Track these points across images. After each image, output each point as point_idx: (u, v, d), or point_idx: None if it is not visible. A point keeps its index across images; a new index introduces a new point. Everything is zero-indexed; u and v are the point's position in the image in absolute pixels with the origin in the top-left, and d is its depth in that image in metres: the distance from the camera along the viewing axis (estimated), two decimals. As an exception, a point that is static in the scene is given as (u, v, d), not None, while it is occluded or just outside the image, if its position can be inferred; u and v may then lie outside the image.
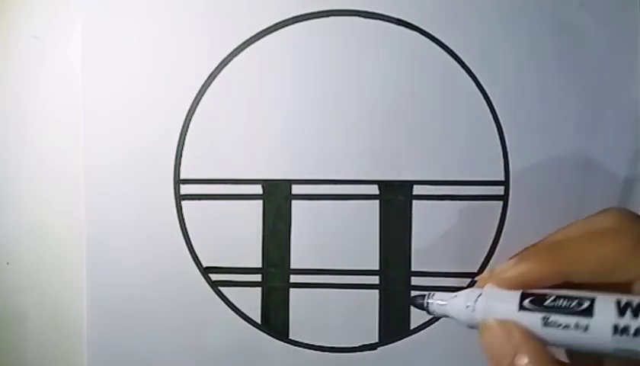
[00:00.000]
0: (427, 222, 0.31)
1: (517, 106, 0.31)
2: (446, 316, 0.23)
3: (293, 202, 0.31)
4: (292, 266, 0.31)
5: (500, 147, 0.31)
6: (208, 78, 0.31)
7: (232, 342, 0.31)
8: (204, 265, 0.31)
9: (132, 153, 0.31)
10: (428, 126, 0.31)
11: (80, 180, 0.31)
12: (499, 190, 0.31)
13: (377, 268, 0.31)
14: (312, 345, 0.31)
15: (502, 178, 0.31)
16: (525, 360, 0.20)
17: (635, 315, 0.19)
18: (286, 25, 0.31)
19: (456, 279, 0.31)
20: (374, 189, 0.31)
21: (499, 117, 0.31)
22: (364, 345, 0.31)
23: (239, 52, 0.31)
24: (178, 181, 0.31)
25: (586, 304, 0.19)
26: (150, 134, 0.31)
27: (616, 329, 0.19)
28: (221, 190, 0.31)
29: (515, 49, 0.30)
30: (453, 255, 0.31)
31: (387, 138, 0.31)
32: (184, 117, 0.31)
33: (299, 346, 0.31)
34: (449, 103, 0.31)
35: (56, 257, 0.31)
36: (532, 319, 0.20)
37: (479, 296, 0.22)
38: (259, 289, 0.31)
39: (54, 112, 0.31)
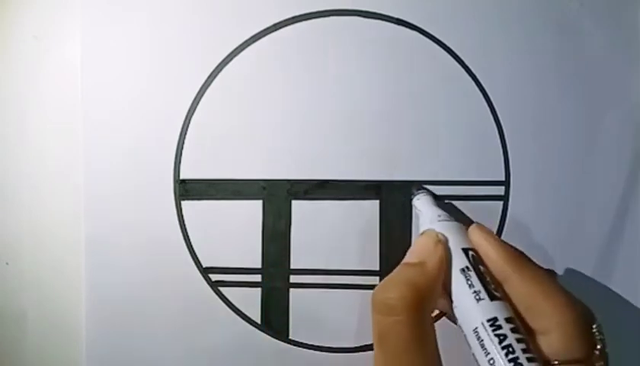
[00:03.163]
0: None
1: (517, 106, 0.31)
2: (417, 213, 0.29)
3: (293, 202, 0.31)
4: (292, 266, 0.31)
5: (500, 147, 0.31)
6: (208, 78, 0.31)
7: (232, 342, 0.31)
8: (204, 265, 0.31)
9: (132, 153, 0.31)
10: (428, 126, 0.31)
11: (80, 180, 0.31)
12: (499, 190, 0.31)
13: (377, 268, 0.31)
14: (312, 345, 0.31)
15: (502, 178, 0.31)
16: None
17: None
18: (286, 25, 0.31)
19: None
20: (374, 189, 0.31)
21: (499, 117, 0.31)
22: (364, 345, 0.31)
23: (239, 52, 0.31)
24: (178, 181, 0.31)
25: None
26: (150, 134, 0.31)
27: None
28: (221, 190, 0.31)
29: (515, 49, 0.30)
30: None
31: (387, 138, 0.31)
32: (184, 117, 0.31)
33: (299, 346, 0.31)
34: (449, 103, 0.31)
35: (56, 257, 0.31)
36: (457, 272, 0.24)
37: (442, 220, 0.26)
38: (259, 289, 0.31)
39: (54, 112, 0.31)
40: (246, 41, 0.31)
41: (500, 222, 0.31)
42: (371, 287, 0.31)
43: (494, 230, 0.31)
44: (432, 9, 0.30)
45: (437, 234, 0.25)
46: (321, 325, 0.31)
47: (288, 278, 0.31)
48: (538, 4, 0.30)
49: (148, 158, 0.31)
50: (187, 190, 0.31)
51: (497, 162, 0.31)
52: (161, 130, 0.31)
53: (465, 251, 0.24)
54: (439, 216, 0.27)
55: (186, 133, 0.31)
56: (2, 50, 0.32)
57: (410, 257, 0.25)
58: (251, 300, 0.31)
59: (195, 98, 0.31)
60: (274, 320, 0.31)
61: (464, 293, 0.23)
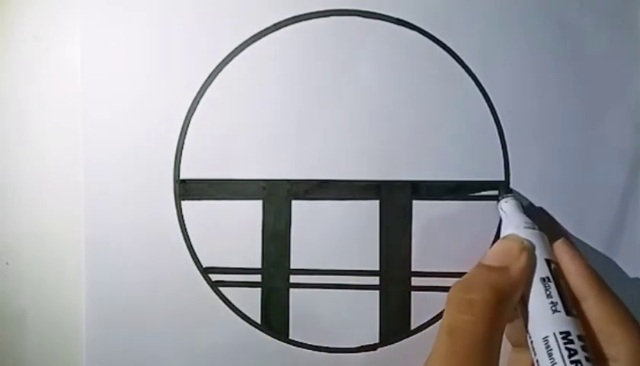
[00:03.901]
0: (427, 222, 0.31)
1: (517, 106, 0.31)
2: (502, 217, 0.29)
3: (293, 202, 0.31)
4: (292, 266, 0.31)
5: (500, 147, 0.31)
6: (208, 78, 0.31)
7: (232, 342, 0.31)
8: (204, 265, 0.31)
9: (132, 153, 0.31)
10: (428, 127, 0.31)
11: (79, 180, 0.31)
12: (499, 190, 0.31)
13: (377, 268, 0.31)
14: (312, 345, 0.31)
15: (502, 178, 0.31)
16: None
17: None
18: (286, 25, 0.31)
19: (456, 279, 0.30)
20: (374, 189, 0.31)
21: (499, 117, 0.31)
22: (364, 346, 0.31)
23: (239, 52, 0.31)
24: (178, 181, 0.31)
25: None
26: (150, 134, 0.31)
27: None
28: (221, 190, 0.31)
29: (515, 49, 0.30)
30: (453, 255, 0.31)
31: (387, 138, 0.31)
32: (184, 116, 0.31)
33: (299, 346, 0.31)
34: (449, 103, 0.31)
35: (56, 257, 0.31)
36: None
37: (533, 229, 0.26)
38: (259, 289, 0.31)
39: (54, 112, 0.31)
40: (246, 41, 0.31)
41: (500, 222, 0.30)
42: (371, 287, 0.31)
43: (494, 230, 0.31)
44: (432, 9, 0.30)
45: (523, 241, 0.25)
46: (321, 325, 0.31)
47: (288, 278, 0.31)
48: (538, 4, 0.30)
49: (148, 157, 0.31)
50: (187, 190, 0.31)
51: (497, 162, 0.31)
52: (161, 129, 0.31)
53: (548, 262, 0.25)
54: (525, 223, 0.27)
55: (186, 133, 0.31)
56: (2, 50, 0.32)
57: (492, 259, 0.25)
58: (251, 300, 0.31)
59: (195, 98, 0.31)
60: (274, 320, 0.31)
61: (541, 302, 0.24)
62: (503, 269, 0.24)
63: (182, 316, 0.31)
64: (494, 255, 0.25)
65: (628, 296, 0.31)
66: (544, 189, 0.30)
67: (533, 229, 0.27)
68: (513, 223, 0.27)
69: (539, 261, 0.25)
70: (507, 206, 0.28)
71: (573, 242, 0.26)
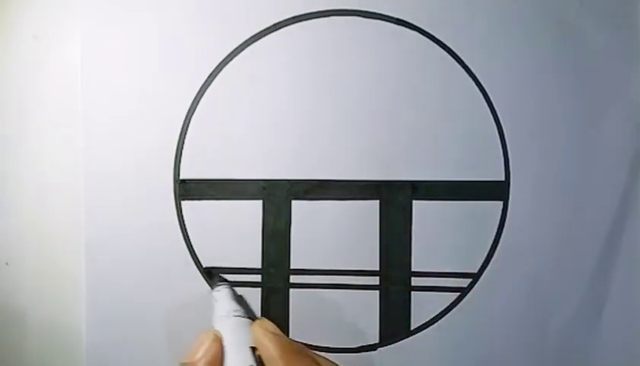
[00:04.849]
0: (427, 222, 0.31)
1: (517, 106, 0.31)
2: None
3: (293, 202, 0.31)
4: (292, 266, 0.31)
5: (500, 147, 0.31)
6: (208, 78, 0.31)
7: (232, 342, 0.31)
8: (204, 265, 0.31)
9: (132, 153, 0.31)
10: (428, 126, 0.31)
11: (80, 180, 0.31)
12: (499, 190, 0.31)
13: (377, 268, 0.31)
14: (312, 345, 0.31)
15: (502, 178, 0.31)
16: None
17: None
18: (286, 25, 0.31)
19: (456, 279, 0.31)
20: (374, 189, 0.31)
21: (499, 117, 0.31)
22: (364, 346, 0.31)
23: (239, 52, 0.31)
24: (178, 181, 0.31)
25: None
26: (150, 134, 0.31)
27: None
28: (221, 190, 0.31)
29: (515, 49, 0.30)
30: (453, 255, 0.31)
31: (387, 138, 0.31)
32: (184, 117, 0.31)
33: (299, 346, 0.31)
34: (449, 103, 0.31)
35: (56, 257, 0.31)
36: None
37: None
38: (259, 289, 0.31)
39: (54, 112, 0.31)
40: (246, 41, 0.31)
41: (500, 222, 0.31)
42: (371, 287, 0.31)
43: (494, 230, 0.31)
44: (432, 9, 0.30)
45: (214, 332, 0.27)
46: (321, 325, 0.31)
47: (288, 278, 0.31)
48: (538, 4, 0.30)
49: (148, 157, 0.31)
50: (187, 190, 0.31)
51: (497, 162, 0.31)
52: (161, 129, 0.31)
53: (253, 349, 0.26)
54: (235, 310, 0.28)
55: (186, 133, 0.31)
56: (2, 50, 0.32)
57: (187, 356, 0.26)
58: (251, 300, 0.31)
59: (195, 98, 0.31)
60: (274, 320, 0.31)
61: None
62: (193, 364, 0.26)
63: (182, 316, 0.31)
64: (190, 351, 0.27)
65: (628, 296, 0.31)
66: (544, 189, 0.31)
67: (243, 317, 0.28)
68: (224, 311, 0.28)
69: (244, 349, 0.26)
70: (219, 295, 0.29)
71: (269, 322, 0.28)
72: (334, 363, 0.26)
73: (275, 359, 0.25)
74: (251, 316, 0.29)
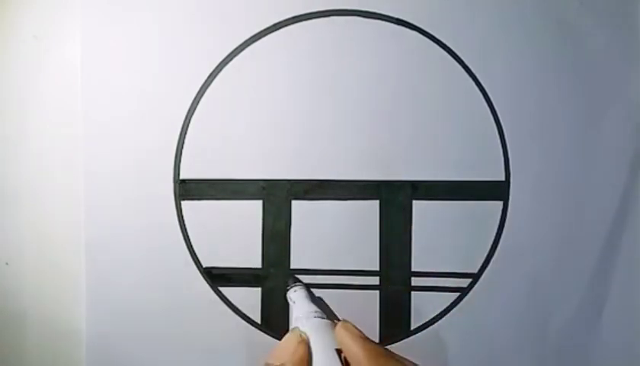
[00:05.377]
0: (427, 222, 0.31)
1: (517, 106, 0.31)
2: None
3: (293, 202, 0.31)
4: (292, 266, 0.31)
5: (500, 147, 0.31)
6: (208, 78, 0.31)
7: (232, 342, 0.31)
8: (204, 265, 0.31)
9: (132, 153, 0.31)
10: (428, 126, 0.31)
11: (80, 180, 0.31)
12: (499, 190, 0.31)
13: (377, 268, 0.31)
14: (312, 345, 0.31)
15: (502, 178, 0.31)
16: None
17: None
18: (286, 25, 0.31)
19: (456, 279, 0.31)
20: (374, 189, 0.31)
21: (499, 117, 0.31)
22: (364, 345, 0.31)
23: (239, 52, 0.31)
24: (178, 181, 0.31)
25: None
26: (150, 134, 0.31)
27: None
28: (221, 190, 0.31)
29: (515, 49, 0.30)
30: (453, 255, 0.31)
31: (387, 138, 0.31)
32: (184, 117, 0.31)
33: (299, 346, 0.31)
34: (449, 103, 0.31)
35: (56, 257, 0.31)
36: None
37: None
38: (259, 289, 0.31)
39: (54, 112, 0.31)
40: (246, 41, 0.31)
41: (500, 222, 0.31)
42: (371, 287, 0.31)
43: (494, 230, 0.31)
44: (432, 9, 0.30)
45: (300, 334, 0.26)
46: (321, 325, 0.31)
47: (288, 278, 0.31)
48: (538, 4, 0.30)
49: (148, 157, 0.31)
50: (187, 190, 0.31)
51: (496, 162, 0.31)
52: (161, 130, 0.31)
53: (338, 351, 0.25)
54: (315, 312, 0.28)
55: (186, 133, 0.31)
56: (2, 50, 0.32)
57: (274, 356, 0.26)
58: (251, 300, 0.31)
59: (195, 98, 0.31)
60: (274, 320, 0.31)
61: None
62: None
63: (182, 316, 0.31)
64: (275, 352, 0.26)
65: (628, 295, 0.31)
66: (544, 189, 0.31)
67: (322, 318, 0.27)
68: (303, 312, 0.28)
69: (330, 351, 0.25)
70: (296, 295, 0.29)
71: (351, 324, 0.27)
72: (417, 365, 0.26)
73: (362, 362, 0.24)
74: (330, 317, 0.28)
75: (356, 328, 0.26)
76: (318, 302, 0.30)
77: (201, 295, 0.31)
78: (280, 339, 0.31)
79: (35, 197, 0.32)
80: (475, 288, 0.31)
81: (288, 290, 0.30)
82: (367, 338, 0.26)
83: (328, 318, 0.28)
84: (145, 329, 0.31)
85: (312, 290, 0.31)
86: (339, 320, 0.28)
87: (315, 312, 0.28)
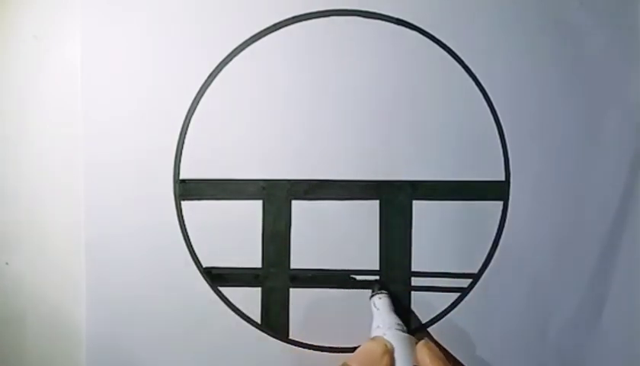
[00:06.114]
0: (427, 222, 0.31)
1: (517, 106, 0.31)
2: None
3: (293, 202, 0.31)
4: (292, 266, 0.31)
5: (500, 147, 0.31)
6: (208, 78, 0.31)
7: (232, 342, 0.31)
8: (204, 265, 0.31)
9: (132, 153, 0.31)
10: (428, 126, 0.31)
11: (80, 180, 0.31)
12: (499, 190, 0.31)
13: (377, 268, 0.31)
14: (312, 345, 0.31)
15: (502, 178, 0.31)
16: None
17: None
18: (286, 25, 0.31)
19: (456, 279, 0.31)
20: (374, 189, 0.31)
21: (499, 117, 0.31)
22: (364, 345, 0.31)
23: (239, 52, 0.31)
24: (178, 181, 0.31)
25: None
26: (150, 134, 0.31)
27: None
28: (221, 190, 0.31)
29: (515, 49, 0.30)
30: (453, 255, 0.31)
31: (387, 138, 0.31)
32: (184, 117, 0.31)
33: (299, 346, 0.31)
34: (449, 103, 0.31)
35: (56, 257, 0.31)
36: None
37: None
38: (259, 289, 0.31)
39: (54, 112, 0.31)
40: (246, 41, 0.31)
41: (500, 222, 0.31)
42: (371, 287, 0.31)
43: (494, 230, 0.31)
44: (432, 9, 0.30)
45: (386, 344, 0.26)
46: (321, 325, 0.31)
47: (288, 278, 0.31)
48: (538, 4, 0.30)
49: (148, 157, 0.31)
50: (187, 190, 0.31)
51: (497, 162, 0.31)
52: (161, 130, 0.31)
53: None
54: (397, 324, 0.28)
55: (186, 133, 0.31)
56: (2, 50, 0.32)
57: (356, 360, 0.26)
58: (251, 300, 0.31)
59: (195, 98, 0.31)
60: (274, 320, 0.31)
61: None
62: None
63: (182, 316, 0.31)
64: (358, 356, 0.26)
65: (628, 295, 0.31)
66: (544, 189, 0.31)
67: (403, 331, 0.27)
68: (386, 322, 0.28)
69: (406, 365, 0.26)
70: (380, 303, 0.29)
71: (433, 343, 0.27)
72: None
73: None
74: (409, 330, 0.28)
75: (439, 349, 0.26)
76: (400, 314, 0.30)
77: (201, 295, 0.31)
78: (279, 339, 0.31)
79: (35, 197, 0.32)
80: (475, 288, 0.31)
81: (373, 295, 0.30)
82: (447, 362, 0.26)
83: (408, 333, 0.28)
84: (145, 329, 0.31)
85: (311, 289, 0.31)
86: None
87: (398, 324, 0.28)
